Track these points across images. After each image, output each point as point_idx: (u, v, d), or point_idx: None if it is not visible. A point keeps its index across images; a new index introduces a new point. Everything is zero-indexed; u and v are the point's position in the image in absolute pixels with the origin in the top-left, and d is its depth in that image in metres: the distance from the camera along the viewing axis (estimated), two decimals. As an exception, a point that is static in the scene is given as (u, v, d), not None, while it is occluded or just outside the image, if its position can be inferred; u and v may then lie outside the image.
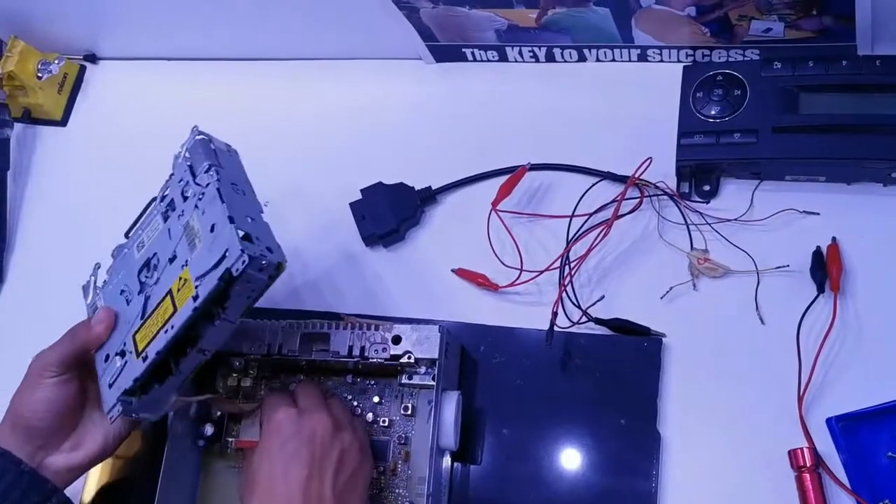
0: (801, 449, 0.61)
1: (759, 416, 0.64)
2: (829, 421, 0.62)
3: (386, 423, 0.67)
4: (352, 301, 0.75)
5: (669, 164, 0.70)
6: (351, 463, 0.61)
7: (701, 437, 0.65)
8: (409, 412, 0.67)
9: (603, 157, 0.74)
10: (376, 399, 0.68)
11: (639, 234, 0.71)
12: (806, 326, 0.64)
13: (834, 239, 0.67)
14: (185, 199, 0.64)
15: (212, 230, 0.59)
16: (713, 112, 0.69)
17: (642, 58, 0.77)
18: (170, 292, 0.60)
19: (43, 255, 0.86)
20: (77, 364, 0.65)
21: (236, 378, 0.70)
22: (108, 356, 0.63)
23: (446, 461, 0.67)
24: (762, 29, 0.70)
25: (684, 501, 0.63)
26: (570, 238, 0.70)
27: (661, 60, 0.77)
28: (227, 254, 0.57)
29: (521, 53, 0.80)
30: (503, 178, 0.73)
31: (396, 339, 0.66)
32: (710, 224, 0.69)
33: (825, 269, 0.65)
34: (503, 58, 0.81)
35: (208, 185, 0.62)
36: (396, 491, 0.66)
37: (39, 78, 0.89)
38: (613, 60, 0.78)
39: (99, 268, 0.69)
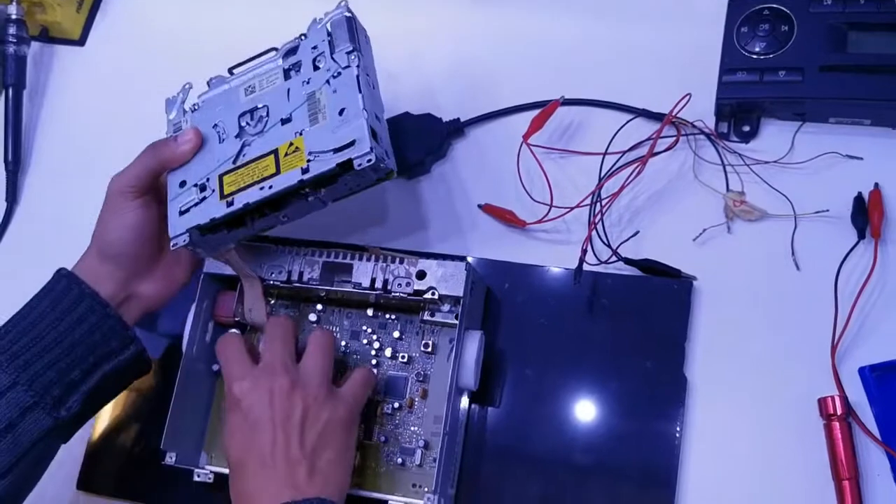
0: (832, 397, 0.60)
1: (790, 363, 0.63)
2: (862, 370, 0.61)
3: (405, 360, 0.66)
4: (373, 233, 0.74)
5: (708, 103, 0.68)
6: (320, 415, 0.60)
7: (729, 383, 0.63)
8: (430, 349, 0.66)
9: (638, 93, 0.71)
10: (396, 334, 0.67)
11: (673, 174, 0.69)
12: (844, 273, 0.63)
13: (876, 185, 0.65)
14: (317, 68, 0.63)
15: (341, 113, 0.60)
16: (758, 48, 0.66)
17: (684, -10, 0.74)
18: (275, 152, 0.61)
19: (57, 176, 0.84)
20: (155, 184, 0.65)
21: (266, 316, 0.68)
22: (184, 182, 0.64)
23: (464, 401, 0.66)
24: (813, -38, 0.67)
25: (709, 447, 0.62)
26: (602, 175, 0.68)
27: (704, -7, 0.73)
28: (354, 144, 0.58)
29: (556, -18, 0.77)
30: (534, 112, 0.71)
31: (421, 275, 0.64)
32: (748, 165, 0.67)
33: (866, 215, 0.63)
34: (538, -13, 0.78)
35: (347, 67, 0.62)
36: (411, 428, 0.65)
37: (58, -5, 0.86)
38: (653, -9, 0.75)
39: (190, 88, 0.68)
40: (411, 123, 0.74)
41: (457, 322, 0.63)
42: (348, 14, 0.64)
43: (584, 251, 0.64)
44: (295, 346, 0.63)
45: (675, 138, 0.68)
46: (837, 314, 0.62)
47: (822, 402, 0.60)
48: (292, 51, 0.65)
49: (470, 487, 0.65)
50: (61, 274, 0.64)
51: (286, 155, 0.60)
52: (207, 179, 0.63)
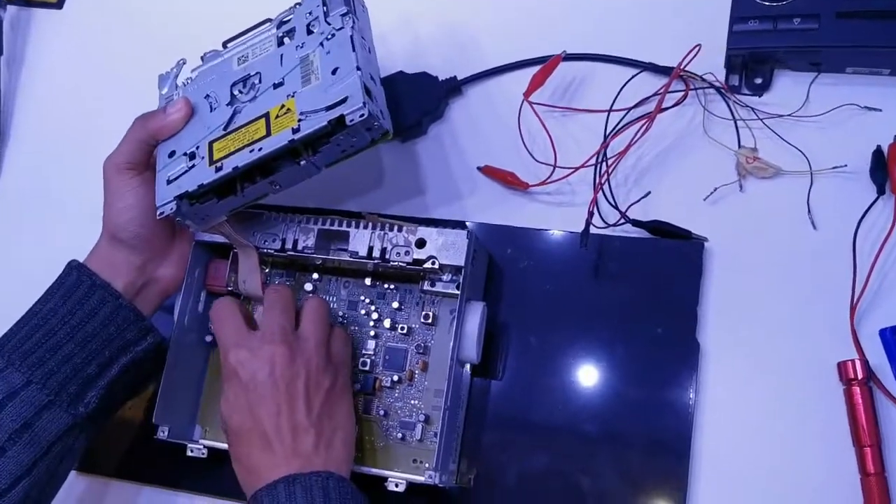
0: (852, 361, 0.58)
1: (807, 326, 0.60)
2: (882, 332, 0.59)
3: (405, 331, 0.64)
4: (368, 199, 0.71)
5: (718, 55, 0.65)
6: (322, 383, 0.58)
7: (743, 347, 0.61)
8: (430, 321, 0.63)
9: (644, 46, 0.68)
10: (395, 305, 0.65)
11: (682, 131, 0.66)
12: (862, 231, 0.60)
13: (896, 137, 0.62)
14: (310, 33, 0.62)
15: (334, 73, 0.58)
16: (771, -5, 0.63)
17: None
18: (266, 115, 0.59)
19: (39, 146, 0.81)
20: (149, 157, 0.63)
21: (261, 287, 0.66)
22: (173, 152, 0.62)
23: (466, 374, 0.64)
24: None
25: (724, 415, 0.60)
26: (607, 133, 0.65)
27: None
28: (346, 100, 0.56)
29: (555, -69, 0.73)
30: (535, 69, 0.67)
31: (420, 243, 0.61)
32: (760, 120, 0.64)
33: (886, 169, 0.61)
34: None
35: (341, 28, 0.60)
36: (412, 402, 0.63)
37: (32, -44, 0.83)
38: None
39: (184, 64, 0.66)
40: (406, 83, 0.70)
41: (458, 292, 0.61)
42: None
43: (591, 213, 0.61)
44: (294, 315, 0.61)
45: (683, 93, 0.65)
46: (856, 274, 0.59)
47: (841, 367, 0.58)
48: (286, 17, 0.63)
49: (473, 462, 0.63)
50: (72, 266, 0.62)
51: (277, 117, 0.58)
52: (197, 147, 0.61)
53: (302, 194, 0.70)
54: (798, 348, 0.60)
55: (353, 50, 0.58)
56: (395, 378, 0.63)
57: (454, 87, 0.71)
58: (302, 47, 0.61)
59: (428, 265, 0.61)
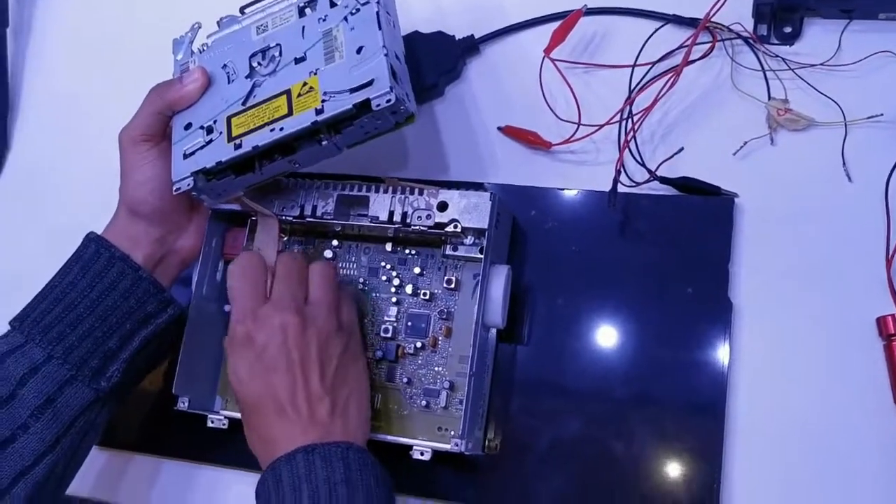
0: (892, 315, 0.56)
1: (844, 282, 0.58)
2: (921, 286, 0.57)
3: (427, 297, 0.62)
4: (386, 163, 0.69)
5: (745, 4, 0.63)
6: (334, 351, 0.57)
7: (777, 305, 0.59)
8: (453, 286, 0.62)
9: (667, -3, 0.66)
10: (417, 270, 0.63)
11: (709, 84, 0.64)
12: (896, 182, 0.58)
13: (932, 84, 0.60)
14: (333, 5, 0.60)
15: (359, 52, 0.57)
16: (800, -62, 0.61)
17: None
18: (288, 93, 0.58)
19: (48, 119, 0.80)
20: (165, 128, 0.62)
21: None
22: (190, 125, 0.61)
23: (492, 339, 0.62)
24: None
25: (759, 375, 0.58)
26: (632, 89, 0.63)
27: None
28: (372, 83, 0.55)
29: None
30: (555, 25, 0.65)
31: (442, 206, 0.60)
32: (791, 70, 0.62)
33: (923, 118, 0.59)
34: None
35: (367, 3, 0.58)
36: (436, 369, 0.62)
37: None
38: None
39: (199, 28, 0.64)
40: (422, 43, 0.68)
41: (481, 256, 0.59)
42: None
43: (619, 171, 0.60)
44: (306, 284, 0.60)
45: (710, 44, 0.62)
46: (890, 226, 0.58)
47: (881, 322, 0.56)
48: None
49: (499, 429, 0.62)
50: (90, 238, 0.61)
51: (299, 95, 0.57)
52: (214, 122, 0.59)
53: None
54: (834, 304, 0.58)
55: (380, 28, 0.57)
56: (418, 345, 0.62)
57: (471, 46, 0.69)
58: (325, 20, 0.60)
59: (450, 229, 0.59)
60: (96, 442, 0.63)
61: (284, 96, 0.57)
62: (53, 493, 0.59)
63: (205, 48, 0.64)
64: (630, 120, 0.63)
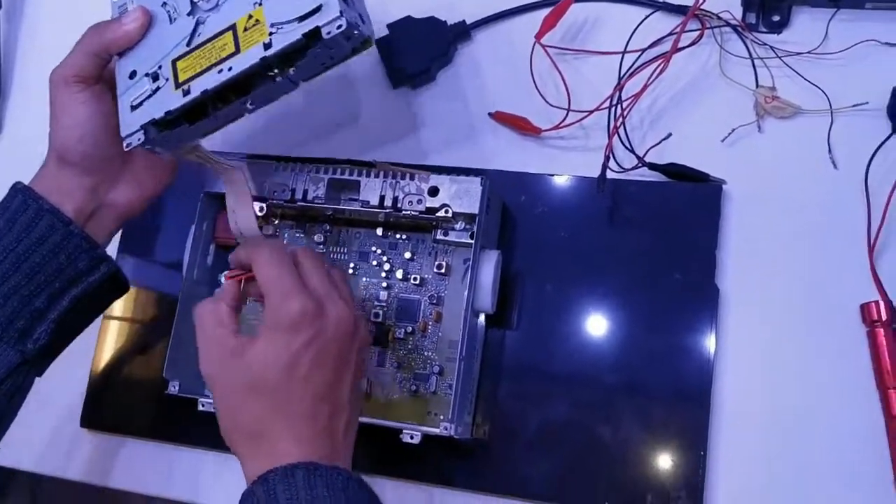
0: (875, 302, 0.57)
1: (829, 268, 0.59)
2: (905, 273, 0.57)
3: (417, 281, 0.63)
4: (376, 147, 0.69)
5: (733, -8, 0.63)
6: (363, 361, 0.55)
7: (763, 291, 0.60)
8: (444, 270, 0.62)
9: (657, -15, 0.66)
10: (408, 255, 0.64)
11: (698, 71, 0.64)
12: (881, 170, 0.59)
13: (918, 74, 0.60)
14: None
15: None
16: (789, -73, 0.61)
17: None
18: (233, 28, 0.54)
19: (41, 101, 0.79)
20: (102, 72, 0.57)
21: (258, 225, 0.65)
22: (134, 73, 0.57)
23: (481, 324, 0.62)
24: None
25: (745, 361, 0.59)
26: (622, 75, 0.63)
27: None
28: (320, 9, 0.50)
29: None
30: (545, 11, 0.65)
31: (433, 191, 0.60)
32: (779, 58, 0.62)
33: (905, 107, 0.59)
34: None
35: None
36: (426, 353, 0.62)
37: None
38: None
39: None
40: (413, 28, 0.69)
41: (472, 241, 0.60)
42: None
43: (608, 157, 0.60)
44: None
45: (699, 32, 0.63)
46: (871, 213, 0.58)
47: (864, 308, 0.57)
48: None
49: (489, 413, 0.62)
50: (17, 188, 0.57)
51: (245, 30, 0.53)
52: (160, 67, 0.55)
53: (310, 144, 0.69)
54: (820, 291, 0.59)
55: None
56: (409, 329, 0.62)
57: (463, 32, 0.69)
58: None
59: (441, 213, 0.60)
60: (22, 404, 0.58)
61: (230, 33, 0.54)
62: None
63: None
64: (619, 106, 0.63)
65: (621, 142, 0.63)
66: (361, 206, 0.61)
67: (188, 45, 0.55)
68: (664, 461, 0.58)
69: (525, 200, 0.65)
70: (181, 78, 0.54)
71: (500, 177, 0.65)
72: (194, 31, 0.55)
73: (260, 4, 0.53)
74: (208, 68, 0.53)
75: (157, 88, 0.55)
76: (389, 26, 0.69)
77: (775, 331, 0.59)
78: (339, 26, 0.50)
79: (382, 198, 0.61)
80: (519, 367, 0.63)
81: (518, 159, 0.66)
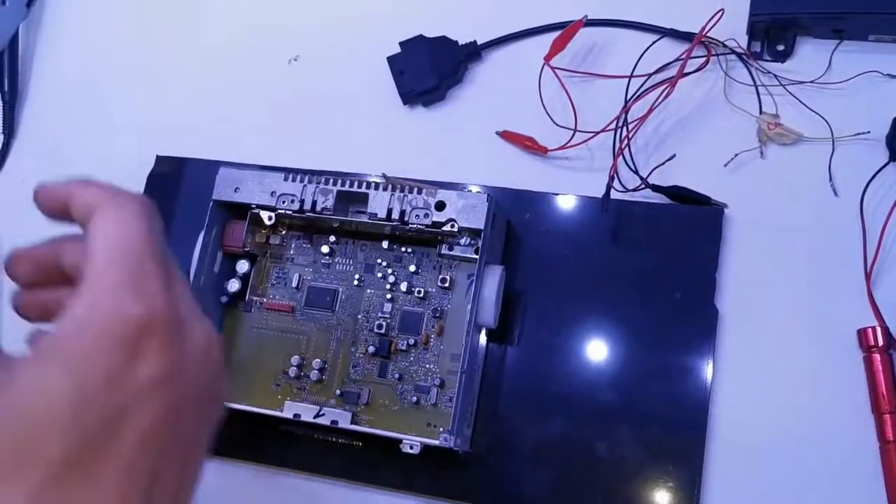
0: (872, 328, 0.57)
1: (827, 294, 0.60)
2: (902, 300, 0.58)
3: (421, 294, 0.64)
4: (386, 163, 0.70)
5: (740, 21, 0.64)
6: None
7: (762, 314, 0.61)
8: (447, 284, 0.63)
9: (665, 12, 0.67)
10: (412, 268, 0.64)
11: (703, 97, 0.66)
12: (876, 197, 0.60)
13: (919, 105, 0.61)
14: None
15: None
16: (795, -41, 0.62)
17: None
18: None
19: (56, 107, 0.81)
20: None
21: (265, 234, 0.67)
22: None
23: (483, 339, 0.63)
24: None
25: (742, 381, 0.60)
26: (628, 98, 0.65)
27: None
28: None
29: None
30: (555, 34, 0.67)
31: (440, 206, 0.61)
32: (783, 86, 0.63)
33: (904, 136, 0.60)
34: None
35: None
36: (427, 366, 0.63)
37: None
38: None
39: None
40: (425, 47, 0.70)
41: (476, 256, 0.61)
42: None
43: (612, 177, 0.61)
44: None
45: (705, 58, 0.64)
46: (866, 240, 0.59)
47: (861, 334, 0.58)
48: None
49: (487, 427, 0.62)
50: None
51: None
52: None
53: (321, 158, 0.70)
54: (818, 315, 0.60)
55: None
56: (411, 342, 0.63)
57: (474, 52, 0.71)
58: None
59: (447, 228, 0.61)
60: None
61: None
62: None
63: None
64: (625, 128, 0.64)
65: (626, 163, 0.64)
66: (369, 219, 0.62)
67: None
68: (660, 481, 0.59)
69: (529, 218, 0.66)
70: None
71: (505, 194, 0.67)
72: None
73: None
74: None
75: None
76: (402, 44, 0.70)
77: (772, 353, 0.60)
78: None
79: (390, 211, 0.62)
80: (519, 382, 0.63)
81: (524, 177, 0.67)
